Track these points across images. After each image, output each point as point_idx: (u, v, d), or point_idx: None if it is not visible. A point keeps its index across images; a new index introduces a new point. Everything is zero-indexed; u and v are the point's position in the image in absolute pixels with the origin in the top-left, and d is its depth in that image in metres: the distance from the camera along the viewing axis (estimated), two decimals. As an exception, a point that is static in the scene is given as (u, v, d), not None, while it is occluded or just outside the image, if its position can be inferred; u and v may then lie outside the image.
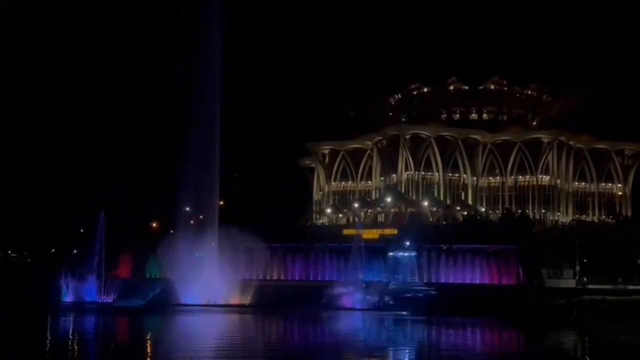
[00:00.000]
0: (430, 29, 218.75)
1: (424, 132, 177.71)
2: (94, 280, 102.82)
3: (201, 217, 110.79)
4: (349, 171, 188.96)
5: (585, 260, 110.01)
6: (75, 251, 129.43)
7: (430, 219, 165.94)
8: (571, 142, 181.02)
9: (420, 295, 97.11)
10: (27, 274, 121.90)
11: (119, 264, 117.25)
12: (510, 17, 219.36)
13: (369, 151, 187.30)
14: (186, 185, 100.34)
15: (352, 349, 52.86)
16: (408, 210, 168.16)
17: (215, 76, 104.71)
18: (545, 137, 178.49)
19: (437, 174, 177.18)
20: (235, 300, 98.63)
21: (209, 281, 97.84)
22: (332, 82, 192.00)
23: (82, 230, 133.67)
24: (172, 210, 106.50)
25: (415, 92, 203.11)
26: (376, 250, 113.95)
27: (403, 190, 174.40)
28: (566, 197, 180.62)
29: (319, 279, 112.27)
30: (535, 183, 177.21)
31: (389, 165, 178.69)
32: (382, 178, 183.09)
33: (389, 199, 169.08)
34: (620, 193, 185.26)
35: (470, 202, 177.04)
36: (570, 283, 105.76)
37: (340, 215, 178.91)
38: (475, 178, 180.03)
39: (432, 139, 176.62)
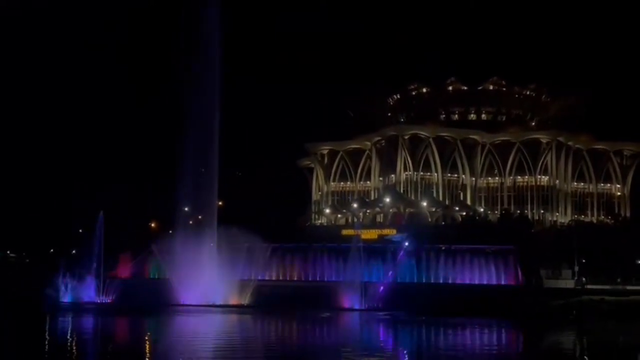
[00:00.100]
0: (430, 29, 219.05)
1: (423, 133, 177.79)
2: (92, 280, 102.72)
3: (200, 217, 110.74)
4: (347, 171, 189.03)
5: (584, 261, 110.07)
6: (74, 251, 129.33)
7: (429, 220, 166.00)
8: (570, 143, 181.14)
9: (419, 295, 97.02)
10: (25, 274, 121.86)
11: (117, 264, 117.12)
12: (509, 17, 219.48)
13: (367, 151, 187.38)
14: (185, 185, 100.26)
15: (351, 350, 52.84)
16: (407, 210, 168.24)
17: (214, 76, 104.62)
18: (544, 138, 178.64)
19: (435, 174, 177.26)
20: (234, 300, 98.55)
21: (208, 281, 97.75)
22: (331, 82, 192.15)
23: (81, 231, 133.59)
24: (171, 210, 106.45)
25: (414, 93, 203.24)
26: (375, 251, 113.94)
27: (402, 191, 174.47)
28: (565, 198, 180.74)
29: (318, 279, 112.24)
30: (534, 183, 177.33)
31: (388, 166, 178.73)
32: (380, 178, 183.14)
33: (387, 200, 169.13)
34: (619, 193, 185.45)
35: (469, 202, 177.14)
36: (569, 283, 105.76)
37: (339, 215, 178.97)
38: (474, 178, 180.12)
39: (430, 140, 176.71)
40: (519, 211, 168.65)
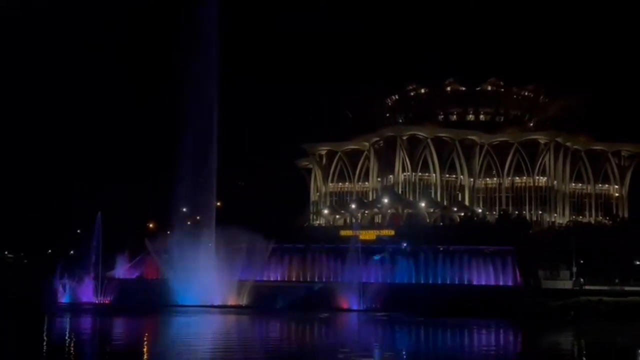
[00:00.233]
0: (430, 30, 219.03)
1: (421, 133, 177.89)
2: (90, 280, 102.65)
3: (198, 217, 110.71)
4: (346, 172, 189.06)
5: (582, 261, 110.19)
6: (72, 252, 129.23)
7: (427, 220, 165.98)
8: (568, 143, 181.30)
9: (417, 296, 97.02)
10: (23, 274, 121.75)
11: (116, 265, 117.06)
12: (508, 17, 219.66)
13: (366, 152, 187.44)
14: (183, 185, 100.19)
15: (349, 350, 52.85)
16: (405, 211, 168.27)
17: (213, 76, 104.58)
18: (542, 138, 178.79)
19: (434, 175, 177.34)
20: (232, 301, 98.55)
21: (206, 282, 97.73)
22: (330, 83, 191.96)
23: (79, 231, 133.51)
24: (170, 210, 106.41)
25: (412, 93, 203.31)
26: (373, 251, 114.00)
27: (400, 192, 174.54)
28: (563, 198, 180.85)
29: (316, 279, 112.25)
30: (532, 184, 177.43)
31: (386, 166, 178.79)
32: (379, 179, 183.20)
33: (386, 200, 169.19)
34: (617, 194, 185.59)
35: (467, 203, 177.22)
36: (567, 284, 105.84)
37: (337, 216, 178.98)
38: (472, 179, 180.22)
39: (429, 140, 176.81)
40: (517, 212, 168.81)
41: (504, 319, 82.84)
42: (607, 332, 74.38)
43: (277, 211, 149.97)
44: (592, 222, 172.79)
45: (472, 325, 75.20)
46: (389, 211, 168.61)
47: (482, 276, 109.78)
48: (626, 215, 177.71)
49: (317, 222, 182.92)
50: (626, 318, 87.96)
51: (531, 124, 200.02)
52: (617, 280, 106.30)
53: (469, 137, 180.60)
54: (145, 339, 60.62)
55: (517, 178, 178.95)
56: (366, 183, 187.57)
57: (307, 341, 61.37)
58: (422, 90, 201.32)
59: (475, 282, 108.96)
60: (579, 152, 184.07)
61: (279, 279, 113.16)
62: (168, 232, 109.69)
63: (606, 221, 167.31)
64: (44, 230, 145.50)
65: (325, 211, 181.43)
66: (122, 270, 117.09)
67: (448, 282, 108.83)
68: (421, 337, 66.00)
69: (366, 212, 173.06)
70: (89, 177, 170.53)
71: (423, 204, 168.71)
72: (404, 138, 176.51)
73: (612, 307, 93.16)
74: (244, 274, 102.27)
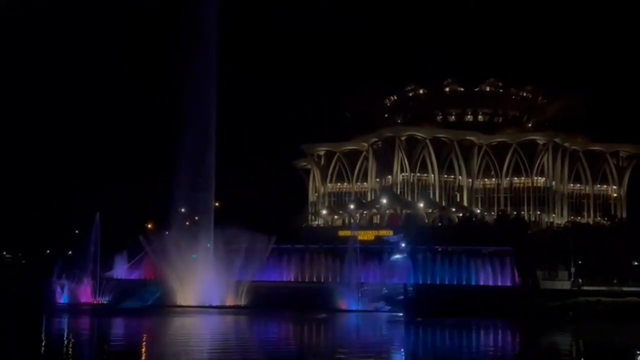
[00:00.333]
0: (430, 30, 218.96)
1: (420, 134, 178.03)
2: (89, 281, 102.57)
3: (197, 218, 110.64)
4: (344, 172, 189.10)
5: (580, 262, 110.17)
6: (70, 252, 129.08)
7: (426, 221, 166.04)
8: (566, 144, 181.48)
9: (416, 296, 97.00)
10: (22, 274, 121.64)
11: (114, 265, 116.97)
12: (506, 18, 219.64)
13: (364, 152, 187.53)
14: (182, 186, 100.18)
15: (347, 351, 52.85)
16: (403, 211, 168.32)
17: (212, 76, 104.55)
18: (540, 139, 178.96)
19: (432, 175, 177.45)
20: (230, 301, 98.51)
21: (204, 282, 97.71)
22: (328, 83, 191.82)
23: (77, 231, 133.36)
24: (168, 211, 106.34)
25: (411, 94, 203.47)
26: (372, 252, 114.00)
27: (398, 192, 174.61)
28: (561, 199, 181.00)
29: (315, 280, 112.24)
30: (530, 185, 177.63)
31: (385, 167, 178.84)
32: (377, 179, 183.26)
33: (384, 201, 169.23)
34: (615, 195, 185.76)
35: (465, 203, 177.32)
36: (565, 284, 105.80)
37: (335, 216, 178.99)
38: (470, 180, 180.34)
39: (427, 141, 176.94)
40: (515, 212, 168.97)
41: (502, 319, 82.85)
42: (605, 333, 74.41)
43: (275, 211, 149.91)
44: (591, 222, 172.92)
45: (471, 325, 75.23)
46: (387, 211, 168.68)
47: (481, 276, 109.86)
48: (624, 215, 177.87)
49: (316, 222, 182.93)
50: (624, 318, 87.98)
51: (529, 125, 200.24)
52: (615, 281, 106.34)
53: (468, 137, 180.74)
54: (143, 339, 60.58)
55: (515, 178, 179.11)
56: (365, 183, 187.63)
57: (306, 342, 61.34)
58: (421, 91, 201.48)
59: (473, 283, 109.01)
60: (577, 153, 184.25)
61: (277, 279, 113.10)
62: (167, 233, 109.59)
63: (604, 222, 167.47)
64: (43, 231, 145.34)
65: (324, 211, 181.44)
66: (120, 270, 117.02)
67: (446, 282, 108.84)
68: (420, 337, 66.02)
69: (365, 212, 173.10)
70: (88, 178, 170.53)
71: (421, 205, 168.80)
72: (403, 138, 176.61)
73: (610, 308, 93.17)
74: (242, 275, 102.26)
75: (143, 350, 51.84)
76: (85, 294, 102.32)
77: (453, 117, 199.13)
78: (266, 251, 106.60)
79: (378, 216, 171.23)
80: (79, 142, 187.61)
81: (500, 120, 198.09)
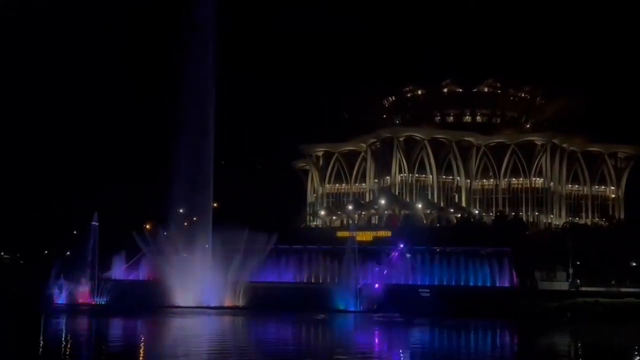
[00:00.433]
0: (427, 31, 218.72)
1: (418, 135, 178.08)
2: (87, 281, 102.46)
3: (195, 218, 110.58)
4: (342, 173, 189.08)
5: (578, 263, 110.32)
6: (68, 253, 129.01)
7: (424, 221, 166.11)
8: (564, 145, 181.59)
9: (414, 297, 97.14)
10: (20, 275, 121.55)
11: (112, 266, 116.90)
12: (505, 19, 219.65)
13: (362, 153, 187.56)
14: (180, 186, 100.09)
15: (345, 352, 52.85)
16: (402, 212, 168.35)
17: (209, 76, 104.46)
18: (538, 140, 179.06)
19: (430, 176, 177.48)
20: (228, 302, 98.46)
21: (203, 283, 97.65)
22: (327, 83, 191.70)
23: (75, 232, 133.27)
24: (167, 211, 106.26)
25: (409, 95, 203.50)
26: (370, 253, 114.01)
27: (397, 193, 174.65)
28: (559, 200, 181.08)
29: (313, 280, 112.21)
30: (528, 185, 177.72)
31: (383, 168, 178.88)
32: (376, 180, 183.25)
33: (382, 201, 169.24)
34: (613, 196, 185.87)
35: (464, 204, 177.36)
36: (564, 285, 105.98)
37: (334, 217, 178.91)
38: (469, 180, 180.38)
39: (425, 141, 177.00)
40: (513, 213, 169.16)
41: (500, 320, 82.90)
42: (603, 333, 74.47)
43: (274, 212, 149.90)
44: (589, 223, 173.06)
45: (470, 326, 75.25)
46: (385, 212, 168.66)
47: (479, 277, 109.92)
48: (622, 216, 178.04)
49: (314, 223, 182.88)
50: (622, 319, 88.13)
51: (528, 126, 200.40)
52: (613, 282, 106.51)
53: (466, 138, 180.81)
54: (141, 340, 60.54)
55: (513, 179, 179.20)
56: (363, 184, 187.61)
57: (304, 343, 61.31)
58: (419, 92, 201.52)
59: (472, 284, 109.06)
60: (576, 154, 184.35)
61: (275, 280, 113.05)
62: (165, 233, 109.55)
63: (602, 222, 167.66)
64: (41, 231, 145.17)
65: (322, 212, 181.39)
66: (118, 271, 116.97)
67: (445, 283, 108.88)
68: (417, 338, 66.01)
69: (363, 213, 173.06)
70: (87, 178, 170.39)
71: (420, 205, 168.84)
72: (401, 139, 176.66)
73: (608, 309, 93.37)
74: (240, 275, 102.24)
75: (141, 351, 51.78)
76: (83, 294, 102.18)
77: (451, 117, 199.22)
78: (265, 252, 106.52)
79: (376, 217, 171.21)
80: (78, 142, 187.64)
81: (499, 121, 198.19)
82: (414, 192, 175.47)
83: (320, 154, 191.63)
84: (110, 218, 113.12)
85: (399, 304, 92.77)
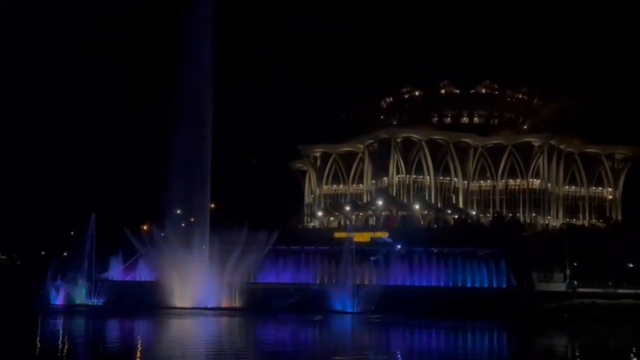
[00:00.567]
0: (425, 32, 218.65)
1: (415, 136, 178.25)
2: (84, 282, 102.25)
3: (192, 219, 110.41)
4: (340, 174, 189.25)
5: (575, 264, 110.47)
6: (65, 253, 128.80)
7: (422, 222, 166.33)
8: (562, 146, 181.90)
9: (411, 298, 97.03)
10: (16, 276, 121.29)
11: (109, 266, 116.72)
12: (502, 21, 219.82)
13: (360, 154, 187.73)
14: (177, 187, 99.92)
15: (342, 353, 52.85)
16: (399, 213, 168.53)
17: (206, 76, 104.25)
18: (536, 141, 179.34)
19: (428, 177, 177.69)
20: (226, 303, 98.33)
21: (200, 284, 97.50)
22: (324, 83, 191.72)
23: (72, 233, 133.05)
24: (164, 212, 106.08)
25: (406, 96, 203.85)
26: (367, 254, 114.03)
27: (394, 194, 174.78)
28: (557, 201, 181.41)
29: (311, 281, 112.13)
30: (526, 187, 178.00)
31: (381, 169, 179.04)
32: (373, 181, 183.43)
33: (380, 202, 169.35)
34: (610, 197, 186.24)
35: (461, 205, 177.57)
36: (561, 286, 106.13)
37: (331, 218, 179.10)
38: (466, 181, 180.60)
39: (423, 143, 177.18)
40: (510, 214, 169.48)
41: (497, 321, 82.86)
42: (600, 335, 74.52)
43: (272, 213, 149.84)
44: (586, 224, 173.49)
45: (466, 327, 75.21)
46: (383, 213, 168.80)
47: (476, 278, 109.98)
48: (619, 217, 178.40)
49: (312, 224, 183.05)
50: (619, 321, 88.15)
51: (525, 127, 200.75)
52: (610, 283, 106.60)
53: (463, 139, 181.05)
54: (137, 342, 60.47)
55: (511, 180, 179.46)
56: (360, 185, 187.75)
57: (301, 344, 61.27)
58: (417, 93, 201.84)
59: (469, 285, 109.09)
60: (573, 155, 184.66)
61: (273, 281, 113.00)
62: (162, 234, 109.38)
63: (600, 224, 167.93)
64: (38, 232, 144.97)
65: (320, 213, 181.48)
66: (115, 272, 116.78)
67: (442, 284, 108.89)
68: (415, 339, 66.01)
69: (360, 214, 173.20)
70: (84, 178, 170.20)
71: (417, 206, 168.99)
72: (398, 140, 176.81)
73: (605, 310, 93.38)
74: (238, 276, 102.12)
75: (138, 352, 51.73)
76: (80, 295, 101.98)
77: (449, 119, 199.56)
78: (262, 253, 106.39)
79: (374, 218, 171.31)
80: (76, 142, 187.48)
81: (496, 122, 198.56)
82: (412, 193, 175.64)
83: (317, 154, 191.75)
84: (107, 218, 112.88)
85: (396, 305, 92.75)
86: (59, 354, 49.64)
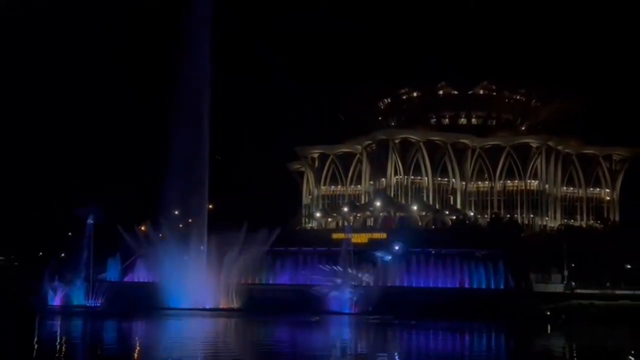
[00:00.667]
0: (423, 33, 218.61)
1: (413, 137, 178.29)
2: (82, 283, 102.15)
3: (190, 220, 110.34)
4: (338, 175, 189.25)
5: (573, 265, 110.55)
6: (63, 254, 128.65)
7: (419, 223, 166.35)
8: (559, 147, 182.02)
9: (408, 299, 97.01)
10: (14, 277, 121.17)
11: (107, 267, 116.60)
12: (500, 22, 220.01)
13: (358, 155, 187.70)
14: (175, 187, 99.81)
15: (340, 354, 52.84)
16: (397, 214, 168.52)
17: (203, 76, 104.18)
18: (533, 142, 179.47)
19: (426, 178, 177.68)
20: (224, 304, 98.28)
21: (198, 285, 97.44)
22: (322, 84, 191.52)
23: (70, 234, 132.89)
24: (162, 213, 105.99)
25: (404, 97, 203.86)
26: (365, 254, 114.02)
27: (392, 195, 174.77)
28: (554, 202, 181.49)
29: (308, 282, 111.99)
30: (523, 188, 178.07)
31: (378, 170, 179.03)
32: (371, 182, 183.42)
33: (378, 203, 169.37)
34: (608, 198, 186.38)
35: (459, 206, 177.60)
36: (559, 287, 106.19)
37: (329, 219, 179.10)
38: (464, 182, 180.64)
39: (421, 144, 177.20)
40: (508, 215, 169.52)
41: (495, 322, 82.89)
42: (598, 336, 74.59)
43: (270, 214, 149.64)
44: (584, 225, 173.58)
45: (464, 328, 75.23)
46: (381, 214, 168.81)
47: (474, 279, 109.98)
48: (617, 219, 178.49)
49: (310, 225, 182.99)
50: (617, 322, 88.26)
51: (523, 128, 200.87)
52: (608, 284, 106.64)
53: (461, 140, 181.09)
54: (135, 343, 60.42)
55: (508, 181, 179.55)
56: (358, 186, 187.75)
57: (299, 345, 61.25)
58: (415, 94, 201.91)
59: (467, 286, 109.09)
60: (571, 156, 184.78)
61: (271, 281, 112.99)
62: (160, 235, 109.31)
63: (597, 225, 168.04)
64: (36, 233, 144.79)
65: (318, 214, 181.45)
66: (113, 272, 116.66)
67: (440, 285, 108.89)
68: (413, 340, 66.01)
69: (358, 215, 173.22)
70: (82, 179, 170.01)
71: (415, 207, 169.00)
72: (396, 141, 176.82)
73: (603, 311, 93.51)
74: (235, 277, 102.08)
75: (136, 354, 51.68)
76: (78, 296, 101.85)
77: (447, 120, 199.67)
78: (260, 254, 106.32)
79: (372, 219, 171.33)
80: (75, 143, 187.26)
81: (494, 123, 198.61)
82: (409, 194, 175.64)
83: (315, 155, 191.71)
84: (106, 219, 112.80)
85: (394, 306, 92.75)
86: (57, 356, 49.58)
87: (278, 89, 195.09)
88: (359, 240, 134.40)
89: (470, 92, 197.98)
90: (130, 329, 73.52)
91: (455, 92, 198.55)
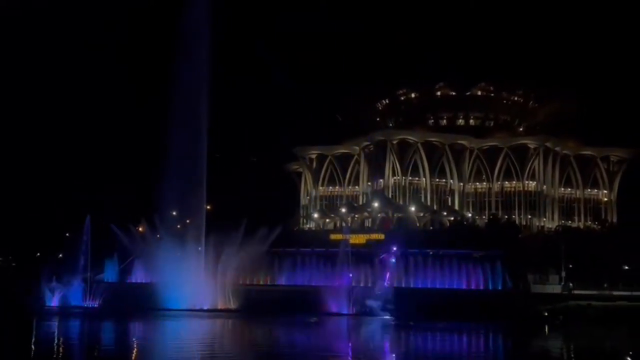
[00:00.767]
0: (421, 34, 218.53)
1: (411, 138, 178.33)
2: (79, 284, 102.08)
3: (188, 221, 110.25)
4: (336, 176, 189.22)
5: (570, 266, 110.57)
6: (60, 255, 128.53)
7: (417, 224, 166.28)
8: (557, 148, 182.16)
9: (407, 300, 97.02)
10: (12, 277, 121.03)
11: (104, 268, 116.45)
12: (498, 23, 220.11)
13: (356, 156, 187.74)
14: (173, 188, 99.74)
15: (338, 356, 52.83)
16: (395, 215, 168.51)
17: (201, 76, 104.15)
18: (531, 143, 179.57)
19: (424, 179, 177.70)
20: (221, 305, 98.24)
21: (196, 285, 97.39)
22: (321, 84, 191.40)
23: (67, 234, 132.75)
24: (160, 213, 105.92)
25: (402, 98, 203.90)
26: (363, 255, 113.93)
27: (390, 196, 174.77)
28: (552, 203, 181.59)
29: (306, 283, 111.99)
30: (521, 189, 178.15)
31: (376, 170, 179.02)
32: (369, 183, 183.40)
33: (376, 204, 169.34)
34: (605, 199, 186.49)
35: (457, 207, 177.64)
36: (556, 288, 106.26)
37: (327, 220, 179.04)
38: (462, 183, 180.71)
39: (419, 145, 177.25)
40: (506, 216, 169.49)
41: (492, 323, 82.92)
42: (595, 337, 74.66)
43: (267, 214, 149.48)
44: (581, 226, 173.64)
45: (461, 329, 75.28)
46: (379, 215, 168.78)
47: (472, 280, 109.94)
48: (615, 220, 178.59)
49: (307, 225, 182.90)
50: (614, 322, 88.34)
51: (521, 129, 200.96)
52: (605, 285, 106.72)
53: (459, 141, 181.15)
54: (133, 344, 60.39)
55: (506, 183, 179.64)
56: (356, 187, 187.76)
57: (297, 346, 61.24)
58: (413, 95, 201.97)
59: (464, 287, 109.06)
60: (568, 157, 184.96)
61: (269, 282, 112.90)
62: (158, 236, 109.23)
63: (595, 226, 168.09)
64: (32, 234, 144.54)
65: (316, 215, 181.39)
66: (111, 273, 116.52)
67: (437, 286, 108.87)
68: (410, 341, 66.04)
69: (356, 216, 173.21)
70: (80, 179, 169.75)
71: (413, 208, 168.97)
72: (394, 142, 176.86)
73: (600, 312, 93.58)
74: (233, 278, 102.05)
75: (133, 355, 51.63)
76: (76, 297, 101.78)
77: (445, 121, 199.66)
78: (257, 255, 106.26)
79: (369, 220, 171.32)
80: (74, 142, 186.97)
81: (492, 124, 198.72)
82: (407, 195, 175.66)
83: (313, 156, 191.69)
84: (103, 220, 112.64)
85: (392, 307, 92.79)
86: (54, 357, 49.52)
87: (277, 89, 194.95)
88: (356, 241, 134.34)
89: (468, 93, 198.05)
90: (128, 330, 73.47)
91: (453, 93, 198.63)
